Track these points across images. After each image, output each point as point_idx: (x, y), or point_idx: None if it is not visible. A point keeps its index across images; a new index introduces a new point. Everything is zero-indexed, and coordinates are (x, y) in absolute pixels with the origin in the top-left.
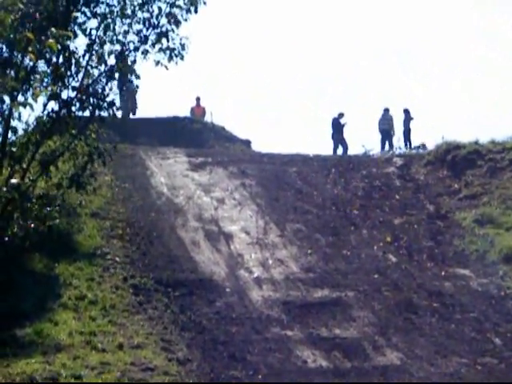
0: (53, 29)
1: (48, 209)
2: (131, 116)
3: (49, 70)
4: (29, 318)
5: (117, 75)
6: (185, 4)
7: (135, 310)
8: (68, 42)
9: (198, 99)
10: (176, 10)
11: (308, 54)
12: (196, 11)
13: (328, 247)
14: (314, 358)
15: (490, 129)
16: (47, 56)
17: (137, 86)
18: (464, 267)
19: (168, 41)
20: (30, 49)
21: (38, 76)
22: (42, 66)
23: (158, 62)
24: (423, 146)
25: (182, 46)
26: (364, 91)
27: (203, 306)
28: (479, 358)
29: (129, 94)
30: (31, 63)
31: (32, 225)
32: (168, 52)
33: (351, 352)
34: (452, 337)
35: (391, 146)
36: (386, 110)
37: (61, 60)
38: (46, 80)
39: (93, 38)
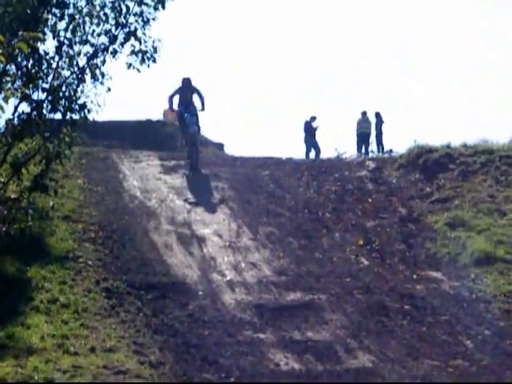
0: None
1: (19, 212)
2: None
3: (19, 73)
4: (0, 322)
5: (87, 77)
6: (152, 1)
7: (107, 313)
8: (38, 44)
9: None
10: (144, 8)
11: (280, 58)
12: (163, 7)
13: (300, 250)
14: (286, 360)
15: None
16: (17, 58)
17: (108, 89)
18: (436, 270)
19: (138, 41)
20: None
21: (8, 78)
22: (11, 68)
23: (130, 65)
24: (390, 151)
25: (155, 49)
26: (337, 95)
27: (176, 309)
28: (451, 360)
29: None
30: (1, 65)
31: (3, 228)
32: (140, 55)
33: (323, 355)
34: (424, 339)
35: (367, 149)
36: (364, 114)
37: (31, 62)
38: (16, 82)
39: (62, 39)
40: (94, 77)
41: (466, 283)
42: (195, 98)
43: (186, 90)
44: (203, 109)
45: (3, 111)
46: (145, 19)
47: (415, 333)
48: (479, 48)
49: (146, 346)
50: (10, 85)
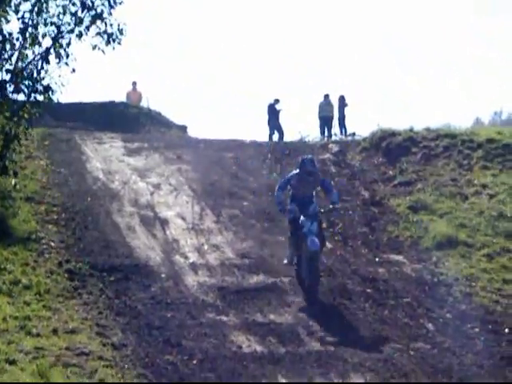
0: None
1: None
2: None
3: None
4: None
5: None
6: None
7: (70, 294)
8: (1, 25)
9: (134, 84)
10: None
11: (245, 39)
12: None
13: (264, 233)
14: (248, 343)
15: (425, 118)
16: None
17: (73, 70)
18: (398, 253)
19: (104, 23)
20: None
21: None
22: None
23: (95, 46)
24: (353, 135)
25: (120, 31)
26: (301, 77)
27: (138, 291)
28: (412, 343)
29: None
30: None
31: None
32: (106, 36)
33: (286, 337)
34: (385, 322)
35: (330, 132)
36: (327, 96)
37: None
38: None
39: (26, 20)
40: (58, 57)
41: (428, 266)
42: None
43: (306, 178)
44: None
45: None
46: (111, 2)
47: (377, 315)
48: (442, 35)
49: (108, 328)
50: None
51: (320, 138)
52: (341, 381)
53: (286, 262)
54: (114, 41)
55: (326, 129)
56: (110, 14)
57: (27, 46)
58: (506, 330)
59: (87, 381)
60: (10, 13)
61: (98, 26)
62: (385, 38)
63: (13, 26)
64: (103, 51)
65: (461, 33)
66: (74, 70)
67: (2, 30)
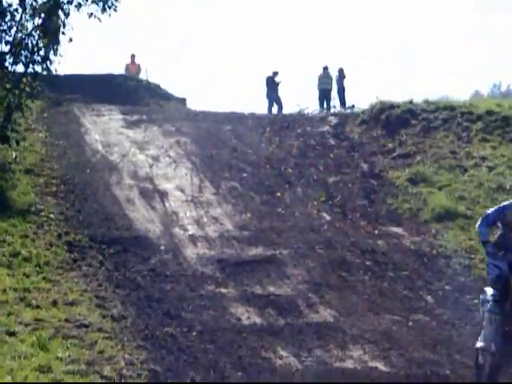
0: None
1: None
2: None
3: None
4: None
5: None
6: None
7: (69, 266)
8: None
9: (132, 56)
10: None
11: (244, 12)
12: None
13: (262, 205)
14: (247, 315)
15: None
16: None
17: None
18: (397, 225)
19: None
20: None
21: None
22: None
23: (91, 14)
24: (352, 107)
25: None
26: (301, 49)
27: (138, 263)
28: (411, 315)
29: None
30: None
31: None
32: (101, 4)
33: (285, 309)
34: (384, 294)
35: (329, 105)
36: (326, 69)
37: None
38: None
39: None
40: (56, 28)
41: (427, 239)
42: None
43: None
44: None
45: None
46: None
47: (376, 288)
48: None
49: (108, 300)
50: None
51: (319, 111)
52: (340, 353)
53: (479, 345)
54: (109, 7)
55: (324, 101)
56: None
57: (27, 17)
58: None
59: (87, 352)
60: None
61: None
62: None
63: None
64: (99, 19)
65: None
66: (71, 40)
67: (1, 1)
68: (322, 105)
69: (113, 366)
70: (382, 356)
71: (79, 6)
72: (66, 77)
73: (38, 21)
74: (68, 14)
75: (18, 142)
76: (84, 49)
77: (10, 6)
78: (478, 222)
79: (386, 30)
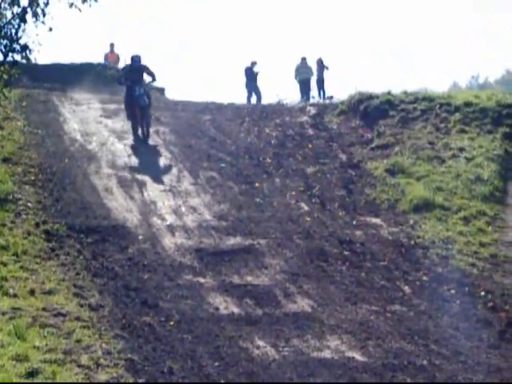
0: None
1: None
2: None
3: None
4: None
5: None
6: None
7: (47, 255)
8: None
9: (111, 45)
10: None
11: (223, 2)
12: None
13: (241, 195)
14: (225, 304)
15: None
16: None
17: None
18: (375, 216)
19: None
20: None
21: None
22: None
23: (71, 4)
24: (330, 98)
25: None
26: (279, 39)
27: (116, 252)
28: (389, 305)
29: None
30: None
31: None
32: None
33: (263, 299)
34: (362, 285)
35: (308, 95)
36: (304, 59)
37: None
38: None
39: None
40: (35, 17)
41: (405, 229)
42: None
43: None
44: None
45: None
46: None
47: (354, 278)
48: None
49: (85, 289)
50: None
51: (299, 101)
52: (318, 343)
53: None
54: None
55: (305, 91)
56: None
57: (6, 6)
58: (482, 293)
59: (64, 341)
60: None
61: None
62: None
63: None
64: (80, 9)
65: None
66: (50, 29)
67: None
68: (302, 95)
69: (90, 355)
70: (359, 346)
71: None
72: (45, 66)
73: (17, 9)
74: (48, 2)
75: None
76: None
77: None
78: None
79: (364, 21)
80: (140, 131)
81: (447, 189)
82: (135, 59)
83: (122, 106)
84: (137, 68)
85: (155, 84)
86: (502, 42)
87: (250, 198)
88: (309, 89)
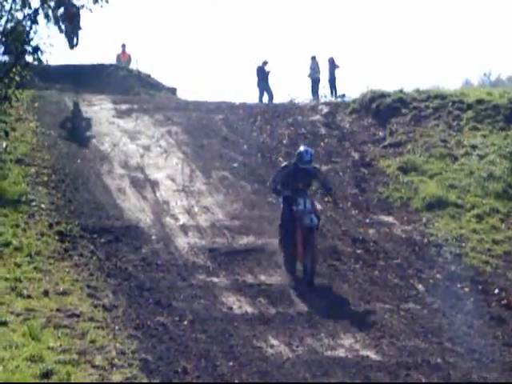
0: None
1: None
2: None
3: None
4: None
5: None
6: None
7: (61, 256)
8: None
9: (123, 46)
10: None
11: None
12: None
13: (253, 194)
14: (239, 304)
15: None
16: None
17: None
18: (388, 214)
19: None
20: None
21: None
22: None
23: (82, 6)
24: (343, 96)
25: None
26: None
27: (129, 252)
28: (402, 303)
29: None
30: None
31: None
32: None
33: (276, 298)
34: (375, 283)
35: (318, 94)
36: (314, 58)
37: None
38: None
39: None
40: (46, 18)
41: (418, 227)
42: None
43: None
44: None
45: None
46: None
47: (367, 276)
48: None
49: (99, 290)
50: None
51: (311, 100)
52: (332, 341)
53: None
54: None
55: (316, 90)
56: None
57: (18, 7)
58: (496, 291)
59: (78, 342)
60: None
61: None
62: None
63: None
64: (91, 10)
65: None
66: (61, 31)
67: None
68: (314, 94)
69: (104, 355)
70: (373, 345)
71: None
72: (57, 67)
73: (28, 11)
74: (58, 4)
75: (6, 133)
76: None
77: None
78: None
79: (375, 18)
80: (299, 266)
81: (460, 186)
82: (305, 157)
83: (134, 106)
84: (305, 172)
85: (167, 84)
86: None
87: (263, 197)
88: (317, 88)
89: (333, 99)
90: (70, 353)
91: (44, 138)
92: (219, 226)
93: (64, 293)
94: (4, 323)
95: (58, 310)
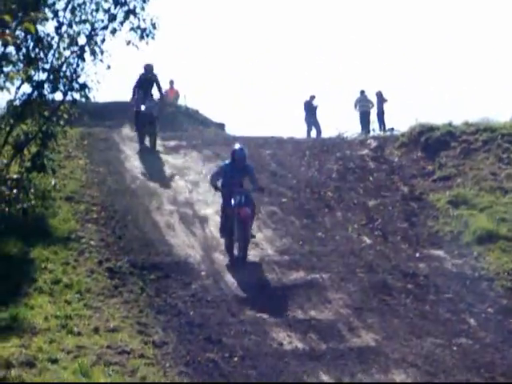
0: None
1: (21, 192)
2: None
3: (20, 54)
4: (4, 303)
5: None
6: None
7: (110, 293)
8: (39, 25)
9: (171, 82)
10: None
11: (280, 38)
12: None
13: (303, 229)
14: (289, 339)
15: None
16: (17, 40)
17: (108, 67)
18: (438, 248)
19: (137, 18)
20: (7, 31)
21: (9, 60)
22: (11, 50)
23: (129, 42)
24: (392, 130)
25: (153, 26)
26: (338, 73)
27: (179, 288)
28: (454, 338)
29: None
30: (1, 48)
31: (6, 209)
32: (139, 31)
33: (326, 334)
34: (427, 318)
35: (369, 127)
36: (363, 92)
37: (31, 43)
38: (18, 64)
39: (61, 19)
40: (93, 55)
41: (469, 261)
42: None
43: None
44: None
45: (9, 92)
46: None
47: (418, 311)
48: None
49: (149, 326)
50: (11, 67)
51: (360, 133)
52: (383, 377)
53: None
54: (147, 36)
55: (365, 124)
56: (143, 9)
57: (64, 46)
58: None
59: (129, 379)
60: (47, 13)
61: (131, 22)
62: (420, 32)
63: (48, 26)
64: (137, 46)
65: (498, 25)
66: (109, 67)
67: (37, 30)
68: (363, 127)
69: None
70: (424, 380)
71: (114, 31)
72: (105, 104)
73: (74, 48)
74: (103, 40)
75: (54, 171)
76: (122, 74)
77: (48, 35)
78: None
79: (423, 52)
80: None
81: (511, 220)
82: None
83: (183, 143)
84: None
85: (215, 120)
86: None
87: (312, 232)
88: (368, 121)
89: (381, 133)
90: None
91: (93, 175)
92: (268, 261)
93: (114, 330)
94: (55, 361)
95: (108, 347)
